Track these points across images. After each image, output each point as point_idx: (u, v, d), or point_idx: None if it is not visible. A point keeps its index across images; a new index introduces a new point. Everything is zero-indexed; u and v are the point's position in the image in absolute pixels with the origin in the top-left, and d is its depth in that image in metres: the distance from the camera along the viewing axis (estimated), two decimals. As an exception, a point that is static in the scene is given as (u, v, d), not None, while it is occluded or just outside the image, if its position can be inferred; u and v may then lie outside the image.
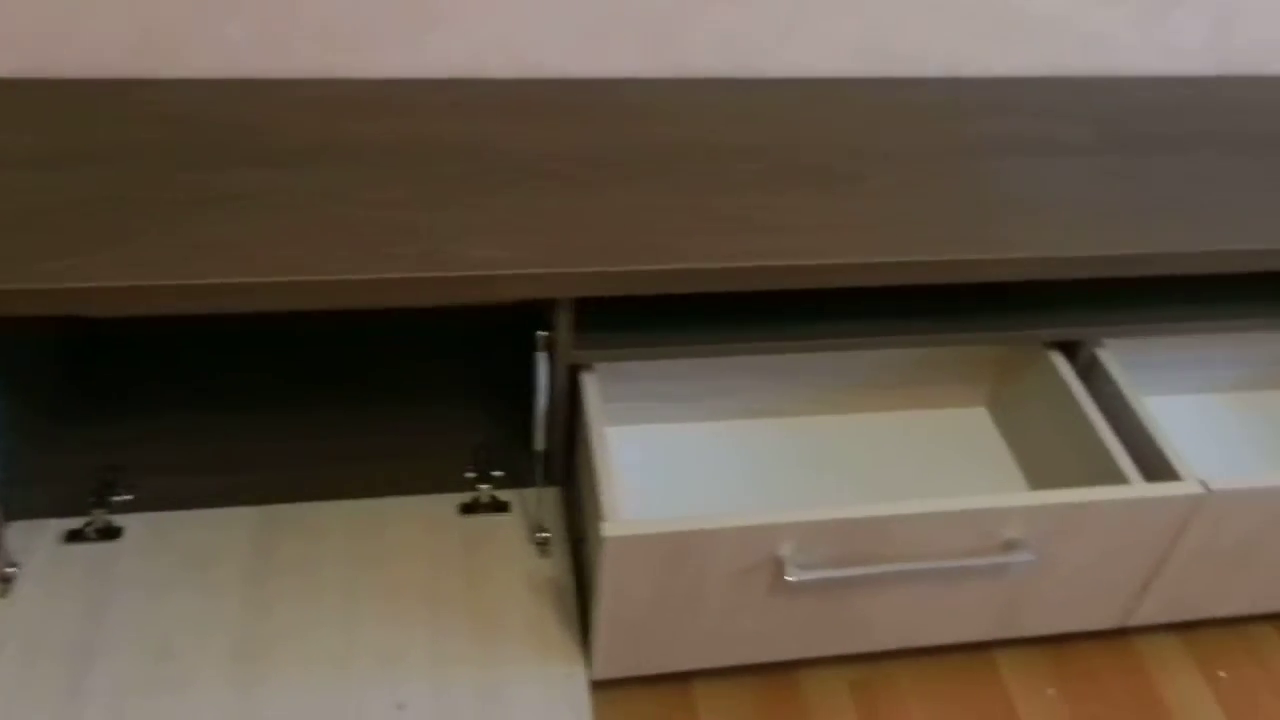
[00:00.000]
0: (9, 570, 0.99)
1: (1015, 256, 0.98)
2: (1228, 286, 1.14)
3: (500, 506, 1.09)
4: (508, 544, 1.06)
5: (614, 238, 0.95)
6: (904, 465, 1.16)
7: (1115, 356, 1.14)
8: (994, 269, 0.98)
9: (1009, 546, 0.93)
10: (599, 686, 1.00)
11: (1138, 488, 0.94)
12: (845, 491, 1.13)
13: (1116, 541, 0.96)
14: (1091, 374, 1.11)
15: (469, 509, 1.08)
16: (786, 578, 0.90)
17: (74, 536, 1.03)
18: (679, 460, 1.14)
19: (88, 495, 1.05)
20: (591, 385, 1.02)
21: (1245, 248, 1.02)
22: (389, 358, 1.22)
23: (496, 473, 1.11)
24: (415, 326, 1.26)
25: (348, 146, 1.03)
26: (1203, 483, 0.94)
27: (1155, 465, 1.01)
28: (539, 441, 1.03)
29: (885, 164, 1.09)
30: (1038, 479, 1.13)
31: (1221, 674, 1.09)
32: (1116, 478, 0.99)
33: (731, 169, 1.06)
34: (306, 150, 1.02)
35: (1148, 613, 1.05)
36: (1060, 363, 1.10)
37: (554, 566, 1.05)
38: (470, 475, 1.10)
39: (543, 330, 0.98)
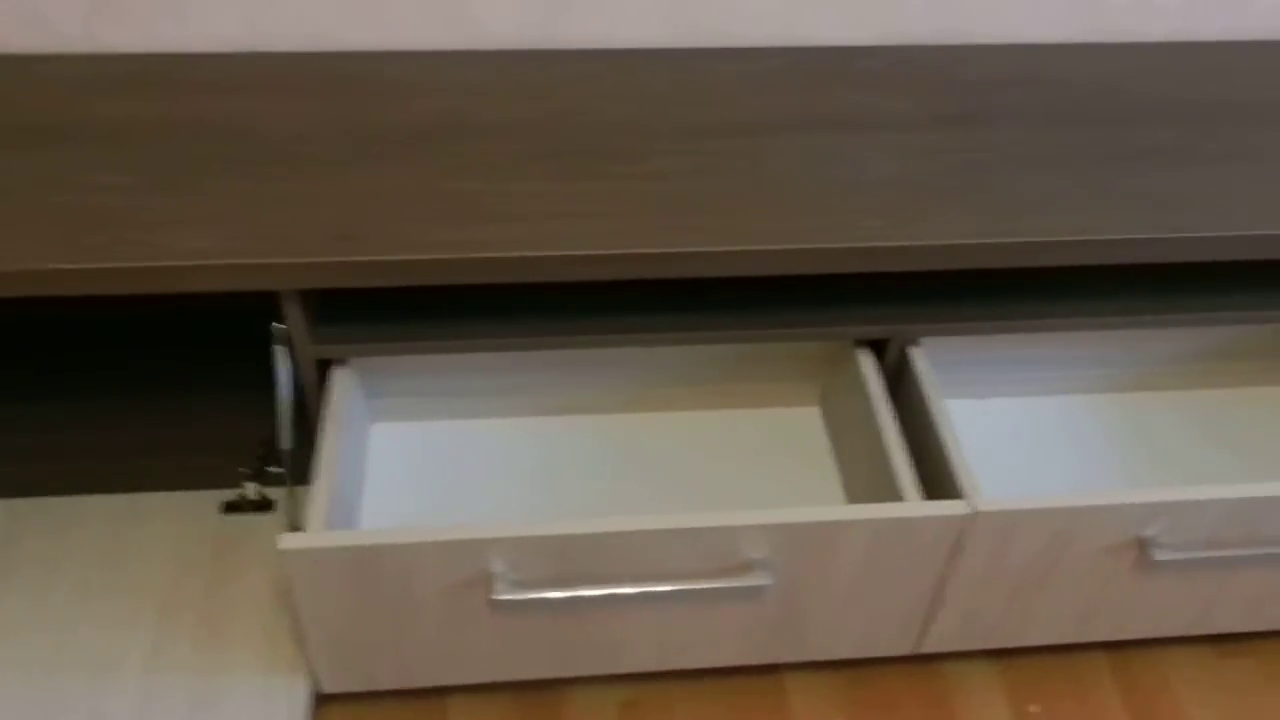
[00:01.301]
0: None
1: (767, 249, 0.89)
2: (1061, 283, 1.04)
3: (265, 505, 1.04)
4: (262, 546, 1.01)
5: (344, 225, 0.89)
6: (717, 467, 1.07)
7: (929, 356, 1.05)
8: (735, 262, 0.90)
9: (748, 568, 0.86)
10: (337, 700, 0.96)
11: (891, 507, 0.85)
12: (644, 495, 1.05)
13: (881, 563, 0.88)
14: (903, 375, 1.02)
15: (232, 507, 1.04)
16: (494, 596, 0.83)
17: None
18: (464, 460, 1.07)
19: None
20: (344, 380, 0.97)
21: (1063, 239, 0.92)
22: (169, 349, 1.17)
23: (275, 469, 1.07)
24: (198, 316, 1.21)
25: (89, 126, 0.98)
26: (968, 502, 0.85)
27: (939, 479, 0.92)
28: (284, 439, 0.98)
29: (671, 144, 1.00)
30: (851, 487, 1.05)
31: (1033, 708, 1.00)
32: (892, 493, 0.91)
33: (493, 150, 0.98)
34: (44, 130, 0.97)
35: (943, 639, 0.97)
36: (866, 362, 1.01)
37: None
38: (244, 471, 1.06)
39: (279, 323, 0.93)
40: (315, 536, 0.80)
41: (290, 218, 0.89)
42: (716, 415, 1.13)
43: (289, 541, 0.79)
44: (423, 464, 1.07)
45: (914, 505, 0.85)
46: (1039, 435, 1.12)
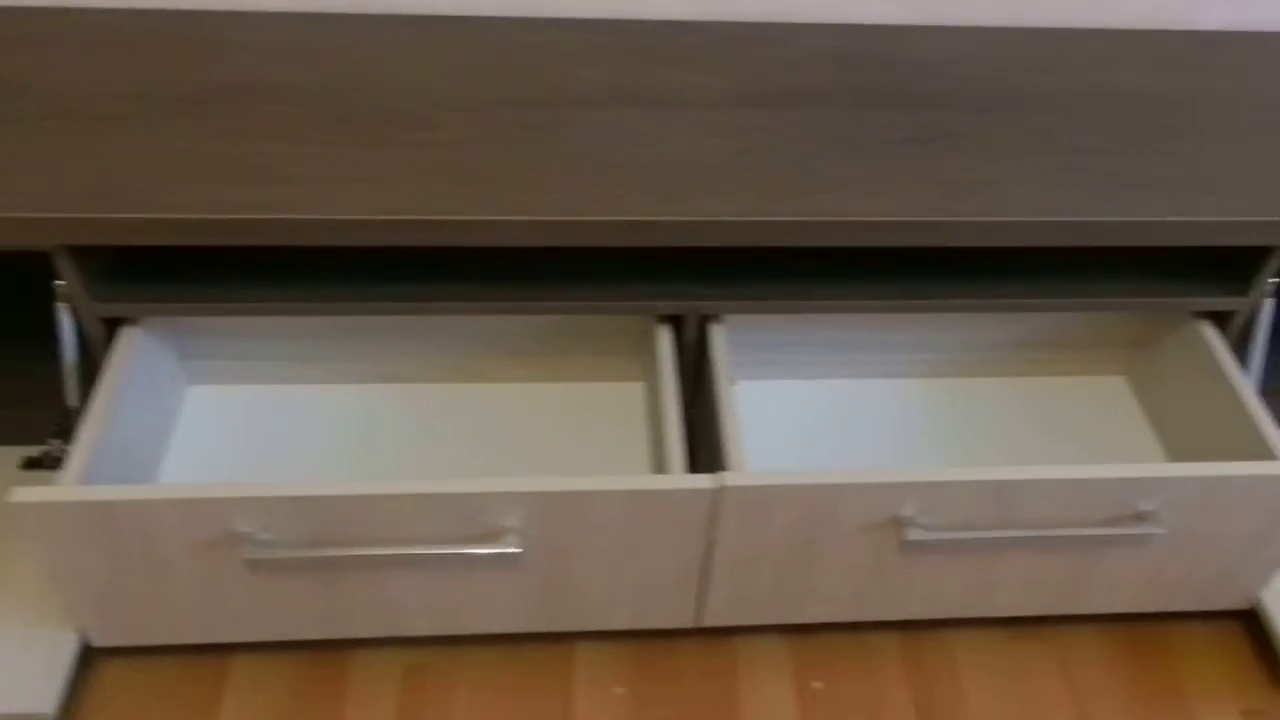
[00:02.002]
0: None
1: (531, 219, 0.90)
2: (876, 267, 1.04)
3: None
4: (56, 501, 1.02)
5: (108, 183, 0.89)
6: (537, 439, 1.08)
7: (733, 335, 1.06)
8: (499, 232, 0.90)
9: (499, 535, 0.87)
10: (118, 655, 0.97)
11: (638, 479, 0.85)
12: (464, 462, 1.06)
13: (639, 534, 0.88)
14: (702, 351, 1.03)
15: (33, 463, 1.04)
16: (246, 556, 0.84)
17: None
18: (283, 425, 1.07)
19: None
20: (133, 340, 0.97)
21: (837, 219, 0.92)
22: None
23: (82, 426, 1.08)
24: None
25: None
26: (716, 477, 0.86)
27: (712, 455, 0.93)
28: (69, 396, 0.98)
29: (467, 113, 1.00)
30: (656, 459, 1.04)
31: (816, 684, 1.01)
32: (663, 467, 0.92)
33: (278, 112, 0.98)
34: None
35: (722, 613, 0.97)
36: (664, 337, 1.01)
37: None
38: (51, 428, 1.07)
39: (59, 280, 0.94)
40: (48, 490, 0.81)
41: (57, 174, 0.90)
42: (543, 388, 1.14)
43: (20, 495, 0.80)
44: (239, 428, 1.07)
45: (662, 478, 0.85)
46: (847, 417, 1.12)
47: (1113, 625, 1.06)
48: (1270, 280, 1.02)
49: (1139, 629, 1.06)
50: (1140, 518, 0.90)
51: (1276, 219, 0.95)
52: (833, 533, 0.90)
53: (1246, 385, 0.99)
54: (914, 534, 0.88)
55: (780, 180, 0.96)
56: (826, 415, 1.13)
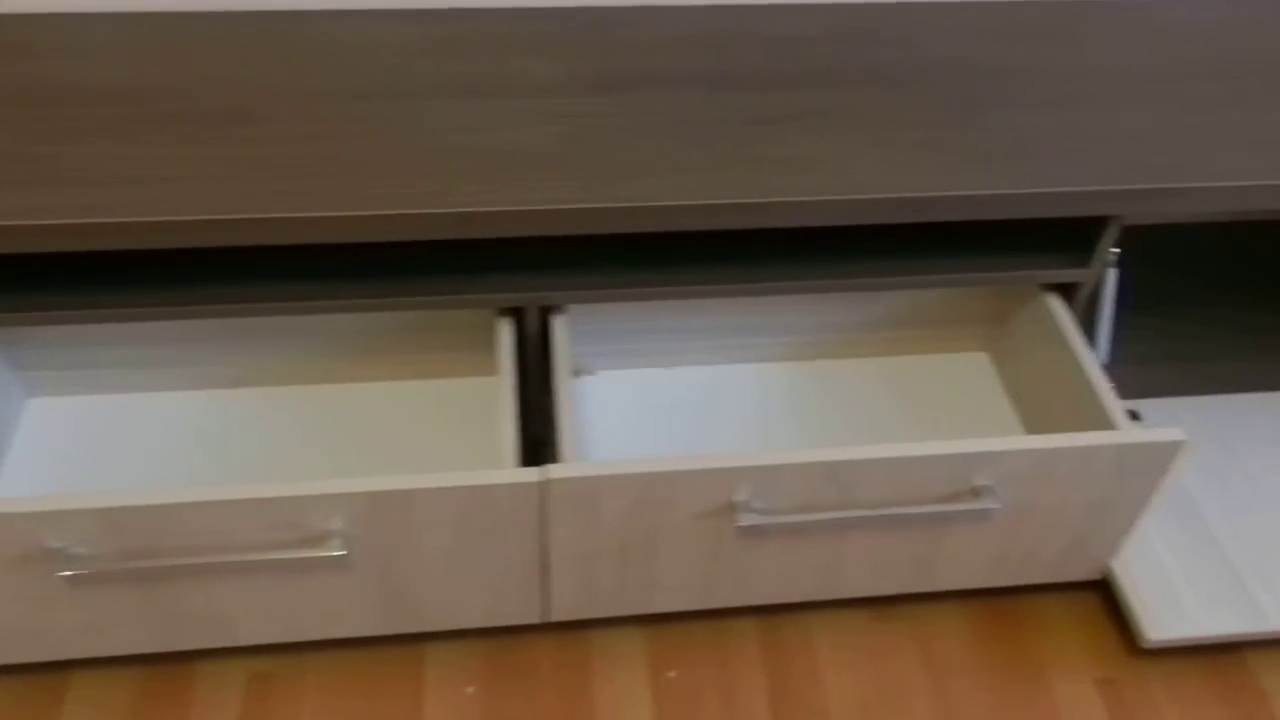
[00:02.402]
0: None
1: (353, 214, 0.87)
2: (722, 251, 1.03)
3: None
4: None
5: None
6: (392, 437, 1.06)
7: (581, 325, 1.05)
8: (317, 229, 0.88)
9: (322, 538, 0.85)
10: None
11: (462, 475, 0.83)
12: (309, 465, 1.03)
13: (472, 531, 0.87)
14: (545, 343, 1.02)
15: None
16: (61, 572, 0.82)
17: None
18: (128, 435, 1.04)
19: None
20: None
21: (664, 204, 0.91)
22: None
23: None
24: None
25: None
26: (541, 470, 0.84)
27: (548, 448, 0.91)
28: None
29: (297, 108, 0.98)
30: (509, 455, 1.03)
31: (671, 674, 1.00)
32: (498, 462, 0.90)
33: (96, 114, 0.95)
34: None
35: (570, 607, 0.96)
36: (504, 330, 1.00)
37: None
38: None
39: None
40: None
41: None
42: (396, 386, 1.12)
43: None
44: (82, 439, 1.04)
45: (486, 473, 0.84)
46: (707, 403, 1.11)
47: (972, 601, 1.06)
48: (1111, 251, 1.02)
49: (998, 604, 1.06)
50: (976, 493, 0.90)
51: (1110, 189, 0.95)
52: (669, 521, 0.89)
53: (1088, 356, 1.00)
54: (748, 519, 0.87)
55: (612, 166, 0.94)
56: (686, 402, 1.12)
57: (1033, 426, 1.09)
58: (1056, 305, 1.05)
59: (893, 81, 1.06)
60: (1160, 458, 0.90)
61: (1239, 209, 0.97)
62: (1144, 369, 1.20)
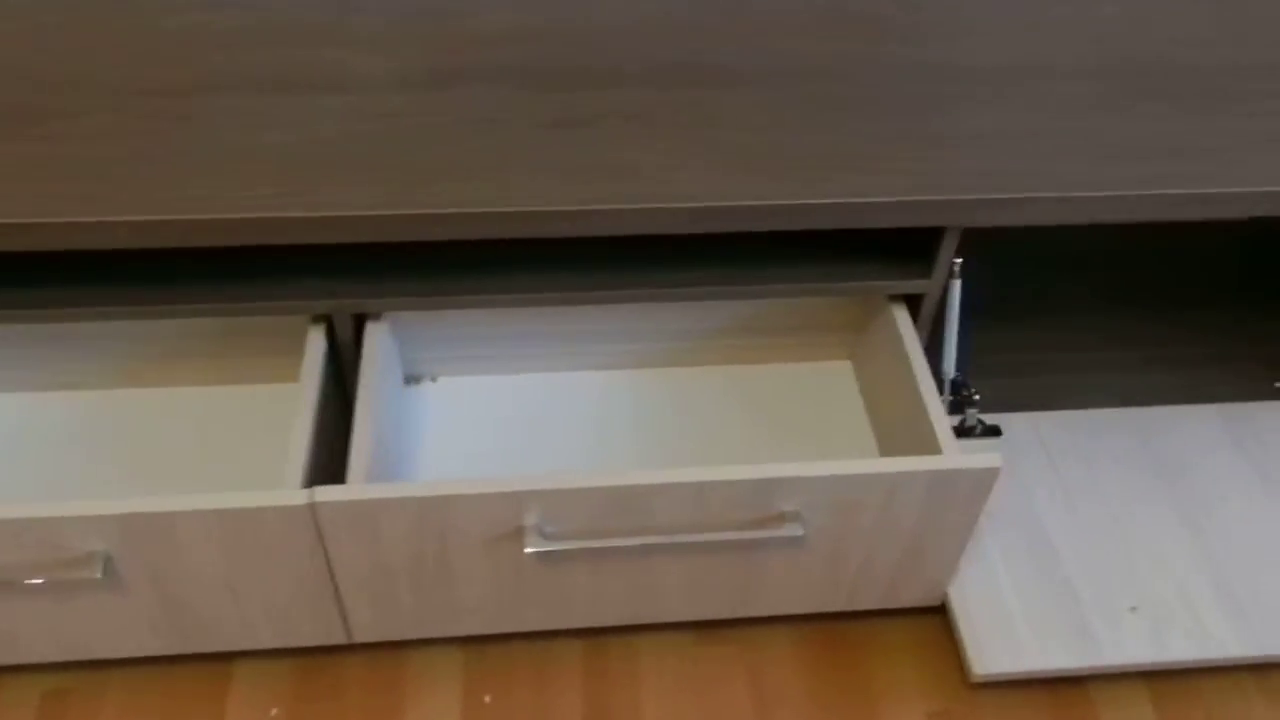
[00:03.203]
0: None
1: (135, 219, 0.84)
2: (558, 256, 0.99)
3: None
4: None
5: None
6: (201, 448, 1.02)
7: (403, 331, 1.02)
8: (99, 235, 0.84)
9: (85, 560, 0.81)
10: None
11: (224, 497, 0.79)
12: (106, 477, 0.99)
13: (245, 553, 0.83)
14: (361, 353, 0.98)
15: None
16: None
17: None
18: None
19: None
20: None
21: (461, 210, 0.86)
22: None
23: None
24: None
25: None
26: (309, 493, 0.80)
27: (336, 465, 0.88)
28: None
29: (89, 103, 0.93)
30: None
31: (487, 698, 0.96)
32: (283, 478, 0.87)
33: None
34: None
35: (372, 628, 0.92)
36: (315, 339, 0.96)
37: None
38: None
39: None
40: None
41: None
42: (208, 391, 1.07)
43: None
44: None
45: (251, 495, 0.80)
46: (548, 412, 1.07)
47: (811, 625, 1.02)
48: (955, 261, 0.97)
49: (837, 628, 1.02)
50: (782, 518, 0.86)
51: (938, 199, 0.90)
52: (456, 545, 0.85)
53: (923, 371, 0.95)
54: (537, 544, 0.83)
55: (417, 169, 0.89)
56: (530, 409, 1.08)
57: (884, 440, 1.04)
58: (901, 316, 1.00)
59: (725, 80, 1.00)
60: (974, 485, 0.85)
61: (1078, 221, 0.92)
62: (1016, 381, 1.15)
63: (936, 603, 0.98)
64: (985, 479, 0.85)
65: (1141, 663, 0.93)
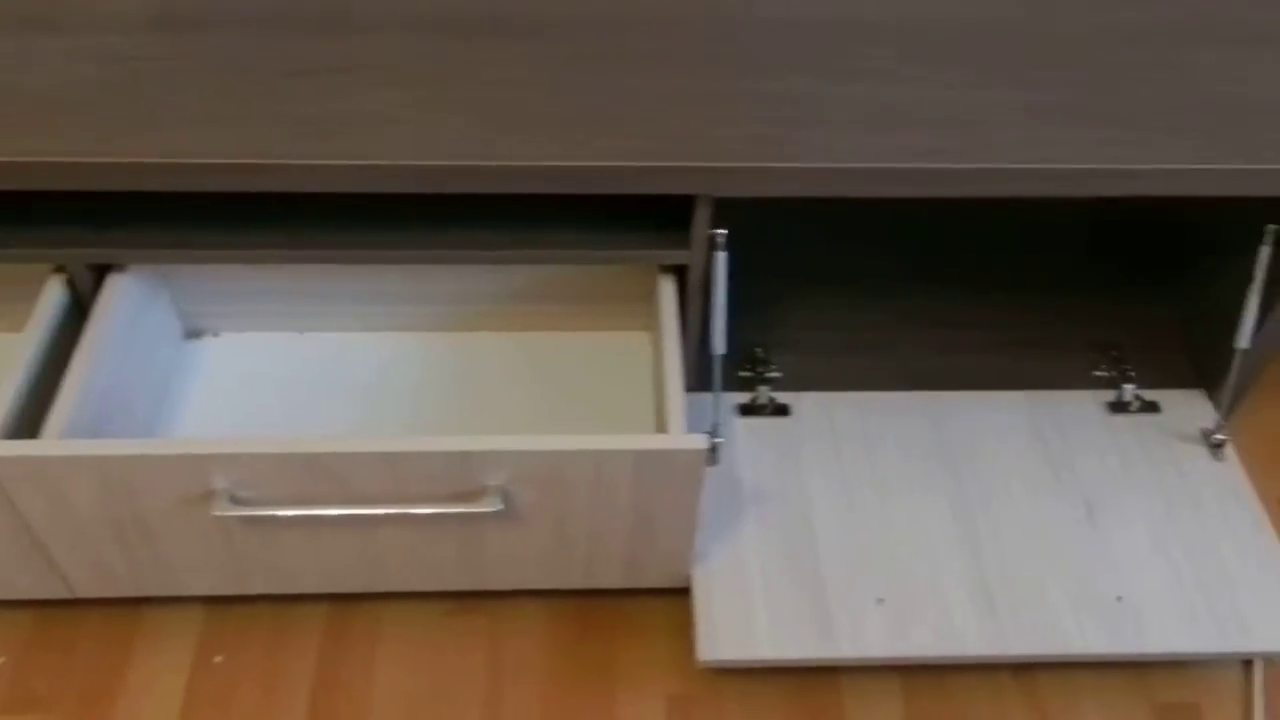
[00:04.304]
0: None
1: None
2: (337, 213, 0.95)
3: None
4: None
5: None
6: None
7: (183, 283, 1.00)
8: None
9: None
10: None
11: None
12: None
13: None
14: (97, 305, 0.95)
15: None
16: None
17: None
18: None
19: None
20: None
21: (195, 161, 0.83)
22: None
23: None
24: None
25: None
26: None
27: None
28: None
29: None
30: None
31: (219, 658, 0.94)
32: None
33: None
34: None
35: (97, 585, 0.90)
36: (54, 289, 0.93)
37: None
38: None
39: None
40: None
41: None
42: None
43: None
44: None
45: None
46: (329, 373, 1.05)
47: (566, 601, 0.99)
48: (717, 232, 0.93)
49: (590, 606, 0.99)
50: (485, 493, 0.83)
51: (688, 165, 0.86)
52: (149, 506, 0.82)
53: (673, 349, 0.91)
54: (226, 509, 0.81)
55: (131, 116, 0.86)
56: (308, 370, 1.06)
57: (660, 415, 1.01)
58: (666, 289, 0.96)
59: (491, 27, 0.95)
60: (684, 467, 0.82)
61: (839, 193, 0.87)
62: (819, 359, 1.10)
63: (683, 584, 0.95)
64: (693, 461, 0.81)
65: (877, 657, 0.89)
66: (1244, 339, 0.97)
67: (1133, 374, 1.08)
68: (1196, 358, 1.10)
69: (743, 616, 0.91)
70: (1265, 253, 0.95)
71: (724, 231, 0.92)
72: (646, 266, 1.04)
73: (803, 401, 1.07)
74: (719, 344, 0.98)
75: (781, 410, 1.06)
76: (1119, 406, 1.07)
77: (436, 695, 0.93)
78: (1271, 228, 0.94)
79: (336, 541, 0.88)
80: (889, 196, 0.88)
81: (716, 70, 0.93)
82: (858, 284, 1.16)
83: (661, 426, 0.98)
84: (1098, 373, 1.09)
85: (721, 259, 0.94)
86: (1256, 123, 0.90)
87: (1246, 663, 0.97)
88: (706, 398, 1.00)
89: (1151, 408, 1.06)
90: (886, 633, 0.91)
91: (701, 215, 0.91)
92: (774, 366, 1.09)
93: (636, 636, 0.97)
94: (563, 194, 0.88)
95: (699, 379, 1.04)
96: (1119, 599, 0.92)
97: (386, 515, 0.83)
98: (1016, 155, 0.87)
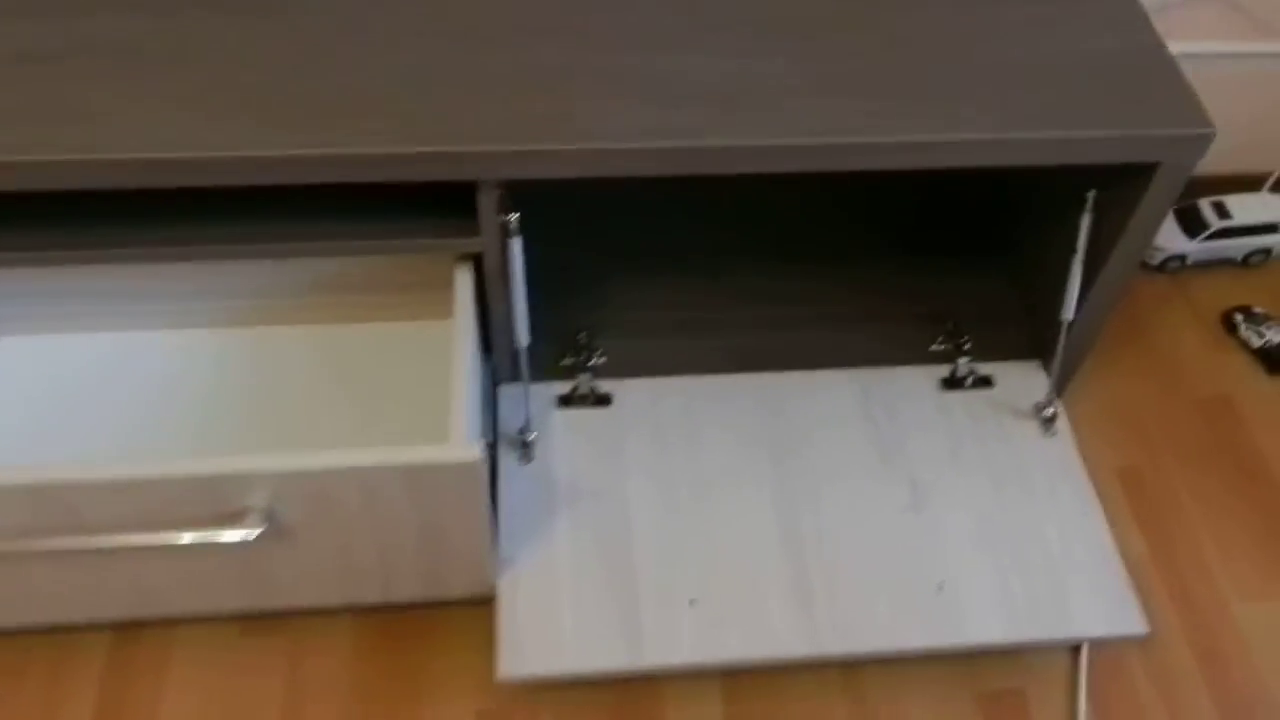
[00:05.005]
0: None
1: None
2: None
3: None
4: None
5: None
6: None
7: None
8: None
9: None
10: None
11: None
12: None
13: None
14: None
15: None
16: None
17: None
18: None
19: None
20: None
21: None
22: None
23: None
24: None
25: None
26: None
27: None
28: None
29: None
30: None
31: (-11, 694, 0.89)
32: None
33: None
34: None
35: None
36: None
37: None
38: None
39: None
40: None
41: None
42: None
43: None
44: None
45: None
46: (117, 374, 0.97)
47: (373, 616, 0.94)
48: (509, 217, 0.86)
49: (399, 620, 0.93)
50: (246, 514, 0.77)
51: (468, 149, 0.78)
52: None
53: (464, 345, 0.84)
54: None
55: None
56: (95, 373, 0.98)
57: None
58: (462, 277, 0.90)
59: (256, 7, 0.87)
60: (459, 480, 0.76)
61: (621, 173, 0.81)
62: (645, 343, 1.04)
63: (489, 592, 0.90)
64: (467, 473, 0.75)
65: (684, 664, 0.84)
66: (1069, 309, 0.94)
67: (969, 347, 1.04)
68: (1032, 329, 1.06)
69: (549, 627, 0.86)
70: (1086, 220, 0.90)
71: (515, 216, 0.86)
72: (450, 253, 0.98)
73: (626, 389, 1.01)
74: (522, 335, 0.92)
75: (603, 400, 1.00)
76: (953, 382, 1.03)
77: (229, 719, 0.88)
78: (1091, 194, 0.90)
79: (97, 571, 0.81)
80: (670, 175, 0.81)
81: (490, 44, 0.85)
82: (685, 261, 1.10)
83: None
84: (934, 348, 1.05)
85: (516, 245, 0.88)
86: (1047, 89, 0.85)
87: (1077, 648, 0.95)
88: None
89: (985, 382, 1.03)
90: (697, 637, 0.86)
91: (487, 201, 0.84)
92: (599, 352, 1.03)
93: (445, 650, 0.92)
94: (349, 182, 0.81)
95: (514, 370, 0.98)
96: (940, 588, 0.89)
97: (130, 546, 0.76)
98: (796, 128, 0.81)
